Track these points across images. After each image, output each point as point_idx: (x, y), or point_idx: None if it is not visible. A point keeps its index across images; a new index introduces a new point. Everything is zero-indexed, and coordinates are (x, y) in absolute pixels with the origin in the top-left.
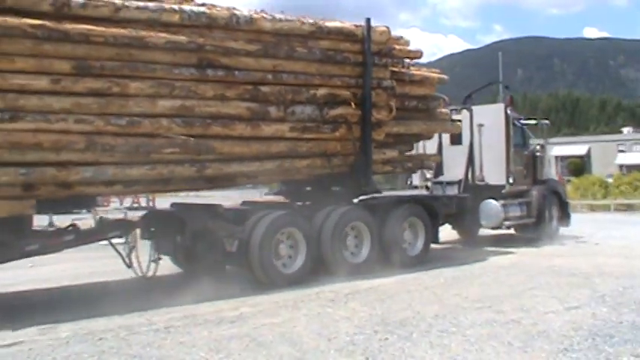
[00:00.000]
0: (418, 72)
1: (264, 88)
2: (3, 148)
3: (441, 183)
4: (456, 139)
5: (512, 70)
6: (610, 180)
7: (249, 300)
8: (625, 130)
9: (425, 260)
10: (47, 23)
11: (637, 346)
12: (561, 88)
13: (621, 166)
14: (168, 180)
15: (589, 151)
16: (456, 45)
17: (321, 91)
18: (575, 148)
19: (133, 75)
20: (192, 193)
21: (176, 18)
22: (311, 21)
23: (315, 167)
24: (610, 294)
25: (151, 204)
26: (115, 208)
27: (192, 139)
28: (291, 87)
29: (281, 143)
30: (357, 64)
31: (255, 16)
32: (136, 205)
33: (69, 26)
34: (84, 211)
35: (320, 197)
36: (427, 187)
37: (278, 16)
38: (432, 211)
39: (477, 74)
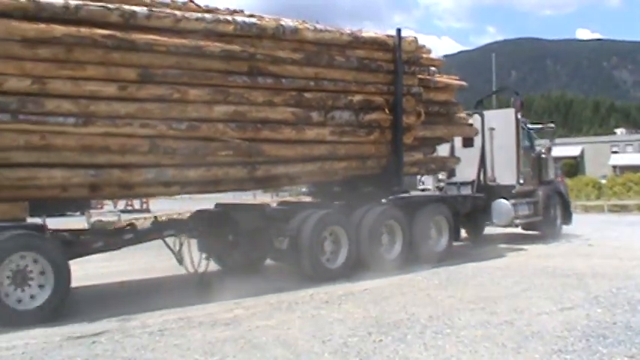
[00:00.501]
0: (441, 79)
1: (307, 95)
2: (75, 150)
3: (455, 184)
4: (468, 142)
5: (506, 72)
6: (603, 181)
7: (244, 302)
8: (618, 131)
9: (449, 256)
10: (116, 33)
11: (631, 346)
12: (554, 89)
13: (614, 167)
14: (220, 181)
15: (582, 152)
16: (449, 46)
17: (357, 98)
18: (568, 149)
19: (191, 82)
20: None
21: (230, 28)
22: (348, 31)
23: (351, 169)
24: (604, 295)
25: (144, 206)
26: (108, 211)
27: (244, 142)
28: (331, 93)
29: (322, 146)
30: (389, 72)
31: (299, 26)
32: (129, 208)
33: (135, 36)
34: (77, 213)
35: (349, 197)
36: (439, 189)
37: (319, 26)
38: (454, 210)
39: (471, 76)
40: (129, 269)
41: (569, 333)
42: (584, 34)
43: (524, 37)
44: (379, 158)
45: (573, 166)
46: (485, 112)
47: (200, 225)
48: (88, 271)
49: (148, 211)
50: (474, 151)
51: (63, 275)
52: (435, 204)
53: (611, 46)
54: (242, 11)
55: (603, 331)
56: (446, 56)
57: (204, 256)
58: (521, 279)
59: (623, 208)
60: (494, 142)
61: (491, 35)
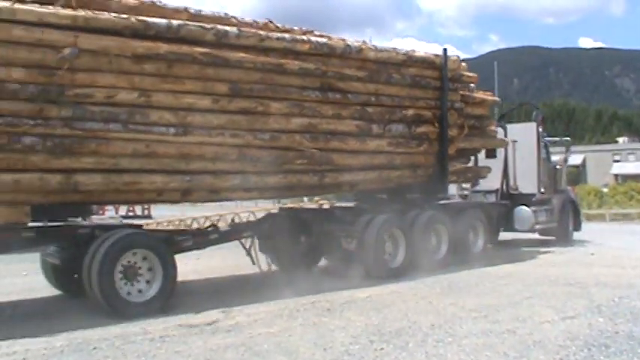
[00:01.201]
0: (478, 95)
1: (369, 109)
2: (174, 158)
3: (479, 192)
4: (491, 153)
5: (509, 80)
6: (605, 190)
7: (245, 309)
8: (620, 139)
9: (485, 257)
10: (211, 51)
11: (633, 356)
12: (557, 97)
13: (616, 176)
14: (293, 187)
15: (584, 160)
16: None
17: (410, 112)
18: (570, 157)
19: (273, 96)
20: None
21: (306, 47)
22: (403, 51)
23: (404, 177)
24: (606, 304)
25: (146, 212)
26: (110, 217)
27: (318, 151)
28: (388, 108)
29: (380, 156)
30: (436, 88)
31: (362, 46)
32: (131, 214)
33: (227, 53)
34: (79, 219)
35: (394, 203)
36: (463, 197)
37: (379, 46)
38: (489, 215)
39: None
40: None
41: (572, 342)
42: (586, 42)
43: (527, 45)
44: (427, 167)
45: (575, 175)
46: (508, 126)
47: (274, 226)
48: None
49: (149, 217)
50: (496, 162)
51: (170, 270)
52: (473, 210)
53: (614, 54)
54: (312, 31)
55: (605, 341)
56: None
57: (266, 256)
58: (524, 287)
59: (625, 217)
60: (517, 154)
61: (494, 43)
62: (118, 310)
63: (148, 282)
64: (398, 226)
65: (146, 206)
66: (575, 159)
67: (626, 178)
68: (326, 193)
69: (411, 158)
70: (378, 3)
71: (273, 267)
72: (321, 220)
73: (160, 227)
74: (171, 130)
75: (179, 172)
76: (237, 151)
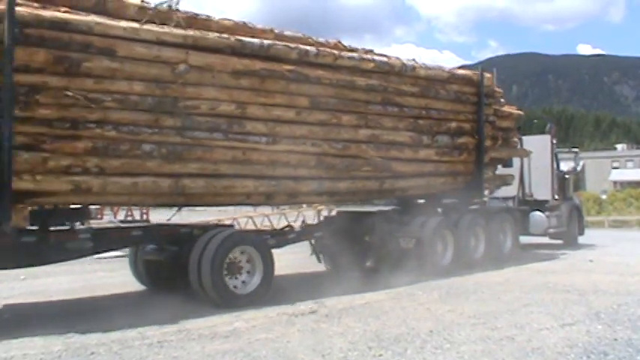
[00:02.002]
0: (506, 109)
1: (420, 121)
2: (264, 164)
3: (498, 198)
4: (507, 163)
5: (507, 86)
6: (604, 196)
7: (244, 315)
8: (619, 146)
9: (513, 257)
10: (295, 68)
11: None
12: (556, 104)
13: (615, 183)
14: (356, 192)
15: (583, 167)
16: (451, 61)
17: (453, 124)
18: (569, 164)
19: (344, 110)
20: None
21: (371, 66)
22: (447, 69)
23: (447, 183)
24: (605, 311)
25: (144, 217)
26: (109, 221)
27: (381, 159)
28: (436, 121)
29: (429, 164)
30: (474, 103)
31: (415, 64)
32: (129, 219)
33: (308, 70)
34: (77, 223)
35: (430, 208)
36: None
37: (429, 65)
38: (515, 219)
39: None
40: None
41: (570, 349)
42: (585, 49)
43: (526, 52)
44: (466, 175)
45: (574, 181)
46: (524, 137)
47: (341, 227)
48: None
49: (147, 221)
50: (513, 171)
51: (269, 264)
52: (503, 214)
53: (613, 61)
54: (372, 50)
55: (604, 348)
56: None
57: (321, 256)
58: (522, 294)
59: (624, 224)
60: (532, 163)
61: (493, 50)
62: (228, 301)
63: (249, 274)
64: (447, 227)
65: (144, 211)
66: (571, 165)
67: (625, 184)
68: (382, 198)
69: (453, 166)
70: (377, 9)
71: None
72: (382, 222)
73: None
74: (263, 139)
75: (267, 177)
76: (315, 159)
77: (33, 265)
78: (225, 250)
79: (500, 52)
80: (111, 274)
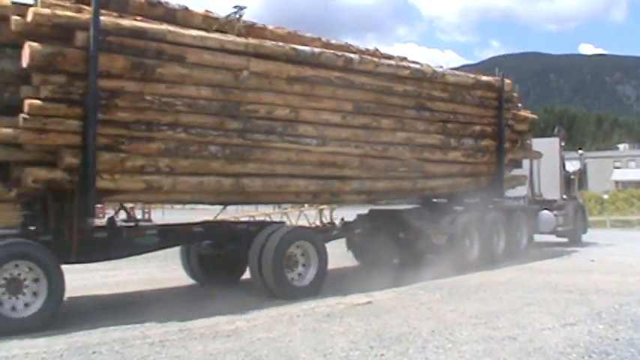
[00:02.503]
0: (522, 113)
1: (449, 125)
2: (314, 165)
3: (509, 198)
4: (517, 164)
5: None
6: (606, 196)
7: (245, 314)
8: (621, 146)
9: (528, 253)
10: (341, 74)
11: None
12: (558, 104)
13: (617, 182)
14: (391, 192)
15: (585, 167)
16: (453, 60)
17: (477, 128)
18: (571, 163)
19: (383, 114)
20: (187, 207)
21: (406, 72)
22: (472, 76)
23: (471, 183)
24: (606, 311)
25: (146, 216)
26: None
27: (416, 161)
28: (462, 124)
29: (456, 165)
30: (495, 107)
31: (445, 71)
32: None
33: (352, 77)
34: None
35: (455, 206)
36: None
37: (456, 72)
38: (530, 217)
39: None
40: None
41: (572, 349)
42: (587, 49)
43: (528, 51)
44: (488, 175)
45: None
46: (534, 140)
47: (378, 224)
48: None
49: (149, 221)
50: (523, 172)
51: (324, 258)
52: (520, 212)
53: (615, 61)
54: (405, 58)
55: (606, 348)
56: None
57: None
58: (524, 294)
59: (626, 224)
60: (541, 164)
61: (495, 49)
62: (287, 293)
63: (304, 267)
64: (474, 224)
65: (147, 210)
66: (575, 165)
67: (627, 184)
68: (414, 196)
69: (477, 167)
70: (379, 8)
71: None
72: (416, 219)
73: None
74: (314, 141)
75: (316, 177)
76: (358, 160)
77: (105, 260)
78: (285, 245)
79: (503, 52)
80: (114, 273)
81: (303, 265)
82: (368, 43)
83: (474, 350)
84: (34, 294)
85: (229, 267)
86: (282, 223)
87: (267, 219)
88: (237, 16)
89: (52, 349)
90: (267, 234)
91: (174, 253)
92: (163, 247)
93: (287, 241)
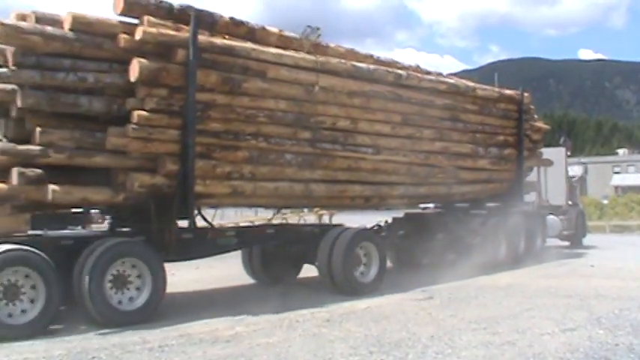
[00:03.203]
0: (537, 124)
1: (478, 135)
2: (368, 171)
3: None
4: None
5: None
6: (605, 201)
7: (245, 319)
8: (620, 151)
9: (542, 254)
10: (392, 89)
11: None
12: (557, 109)
13: (616, 188)
14: (430, 196)
15: (585, 172)
16: (452, 65)
17: (500, 138)
18: (570, 169)
19: (425, 125)
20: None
21: (444, 87)
22: (497, 89)
23: (495, 189)
24: (606, 316)
25: None
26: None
27: (453, 168)
28: (488, 135)
29: (484, 172)
30: (515, 119)
31: (476, 86)
32: None
33: (400, 91)
34: (79, 227)
35: (478, 210)
36: None
37: (484, 86)
38: (543, 221)
39: None
40: None
41: (572, 355)
42: (586, 54)
43: (528, 56)
44: (509, 182)
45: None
46: (542, 149)
47: (419, 226)
48: None
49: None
50: (530, 179)
51: (384, 258)
52: (536, 216)
53: (614, 66)
54: (441, 73)
55: (605, 353)
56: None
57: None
58: (524, 299)
59: (625, 229)
60: (547, 172)
61: (495, 54)
62: (354, 289)
63: (365, 266)
64: (502, 226)
65: None
66: (575, 170)
67: (626, 189)
68: (447, 201)
69: (500, 174)
70: (378, 13)
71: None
72: (453, 221)
73: None
74: (369, 150)
75: (369, 182)
76: (405, 168)
77: (191, 259)
78: (353, 245)
79: (502, 57)
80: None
81: (365, 264)
82: (367, 48)
83: (474, 355)
84: (138, 289)
85: (289, 266)
86: (341, 225)
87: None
88: (316, 35)
89: (50, 354)
90: (334, 235)
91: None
92: (240, 248)
93: (355, 242)
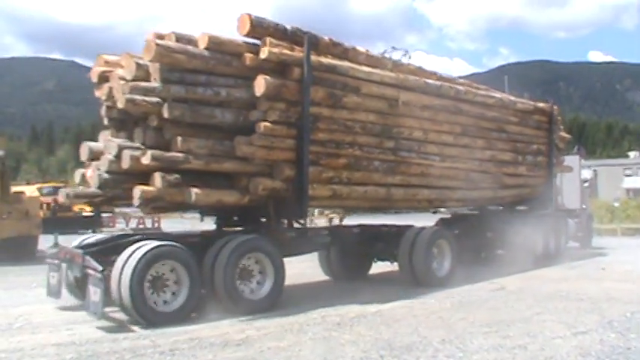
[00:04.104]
0: (563, 134)
1: (517, 144)
2: (435, 177)
3: None
4: None
5: (519, 94)
6: (617, 204)
7: (255, 323)
8: (631, 154)
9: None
10: (454, 103)
11: None
12: (567, 111)
13: (628, 190)
14: (478, 199)
15: (595, 174)
16: (461, 68)
17: (534, 147)
18: (581, 172)
19: (478, 135)
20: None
21: (492, 101)
22: (532, 102)
23: (529, 194)
24: (618, 319)
25: (156, 225)
26: (120, 229)
27: (500, 174)
28: (525, 144)
29: (521, 178)
30: (546, 129)
31: (516, 100)
32: (141, 227)
33: (460, 105)
34: (89, 231)
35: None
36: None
37: (522, 100)
38: (567, 223)
39: None
40: None
41: (583, 358)
42: (596, 56)
43: (537, 59)
44: (540, 187)
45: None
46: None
47: (471, 225)
48: None
49: (159, 229)
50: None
51: (456, 254)
52: (562, 218)
53: (625, 68)
54: (487, 88)
55: (617, 357)
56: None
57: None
58: (535, 302)
59: (637, 232)
60: (563, 178)
61: (504, 57)
62: (431, 281)
63: (438, 261)
64: (538, 226)
65: (156, 219)
66: (585, 173)
67: (638, 192)
68: (491, 204)
69: (534, 180)
70: (388, 16)
71: None
72: (500, 221)
73: None
74: (437, 157)
75: (435, 187)
76: (463, 173)
77: (295, 255)
78: (432, 242)
79: (512, 60)
80: None
81: (440, 259)
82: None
83: (485, 359)
84: (258, 282)
85: (363, 263)
86: (412, 226)
87: None
88: (407, 57)
89: (62, 358)
90: (414, 234)
91: None
92: (332, 246)
93: (432, 240)
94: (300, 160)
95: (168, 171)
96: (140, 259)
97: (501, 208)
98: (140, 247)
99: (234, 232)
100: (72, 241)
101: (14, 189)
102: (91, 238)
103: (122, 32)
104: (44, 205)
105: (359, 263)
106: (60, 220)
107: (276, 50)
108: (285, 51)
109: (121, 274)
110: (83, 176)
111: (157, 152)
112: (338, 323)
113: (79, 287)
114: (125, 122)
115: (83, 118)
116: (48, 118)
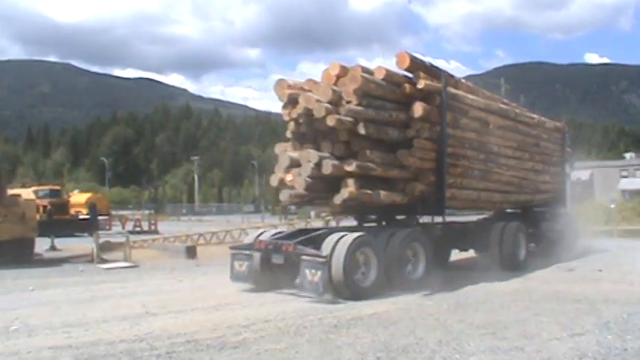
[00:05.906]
0: (568, 149)
1: (545, 157)
2: (501, 183)
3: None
4: None
5: (515, 96)
6: (613, 206)
7: (252, 325)
8: (627, 155)
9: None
10: (512, 123)
11: None
12: (564, 113)
13: (624, 192)
14: (519, 202)
15: (591, 176)
16: (458, 70)
17: (554, 159)
18: (577, 173)
19: (524, 149)
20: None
21: (533, 121)
22: (553, 122)
23: (550, 198)
24: (615, 321)
25: (152, 227)
26: (117, 232)
27: (535, 181)
28: (549, 156)
29: (548, 184)
30: (560, 144)
31: (546, 120)
32: (138, 229)
33: (515, 124)
34: (85, 234)
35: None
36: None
37: (548, 120)
38: (576, 222)
39: None
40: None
41: (580, 359)
42: (592, 58)
43: (533, 61)
44: (557, 192)
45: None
46: None
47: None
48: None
49: (156, 232)
50: None
51: (527, 243)
52: (573, 219)
53: (621, 70)
54: (526, 110)
55: (614, 358)
56: None
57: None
58: (532, 304)
59: (633, 233)
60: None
61: (501, 59)
62: (515, 266)
63: (520, 250)
64: (564, 224)
65: (152, 222)
66: (582, 175)
67: (634, 193)
68: (519, 207)
69: (554, 186)
70: (384, 19)
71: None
72: (540, 219)
73: None
74: (504, 167)
75: (501, 192)
76: (517, 180)
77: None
78: (518, 232)
79: (508, 62)
80: (123, 285)
81: (518, 246)
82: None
83: None
84: (412, 265)
85: (444, 253)
86: (490, 219)
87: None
88: (507, 88)
89: None
90: (501, 226)
91: None
92: (441, 238)
93: (517, 232)
94: (439, 168)
95: (357, 177)
96: (350, 245)
97: (520, 210)
98: (342, 237)
99: (394, 226)
100: (71, 244)
101: (10, 192)
102: (265, 233)
103: (118, 35)
104: (40, 208)
105: (440, 252)
106: (56, 223)
107: (428, 82)
108: (433, 83)
109: (331, 258)
110: (282, 180)
111: (360, 162)
112: (335, 325)
113: (265, 272)
114: (305, 136)
115: (79, 120)
116: (44, 121)
